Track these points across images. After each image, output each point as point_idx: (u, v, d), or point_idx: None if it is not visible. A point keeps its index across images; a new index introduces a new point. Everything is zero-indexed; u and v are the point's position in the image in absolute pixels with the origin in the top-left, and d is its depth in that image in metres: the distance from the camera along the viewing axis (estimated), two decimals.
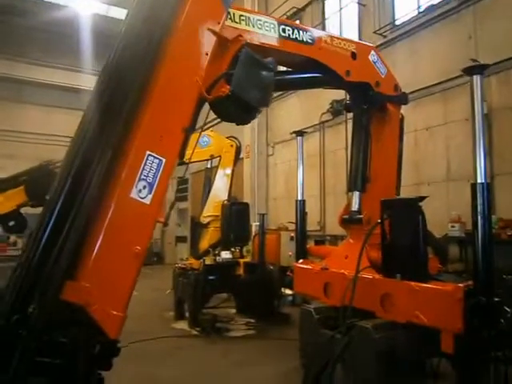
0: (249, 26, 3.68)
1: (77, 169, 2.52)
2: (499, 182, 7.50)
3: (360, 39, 10.71)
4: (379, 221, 4.20)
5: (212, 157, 8.64)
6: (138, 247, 2.54)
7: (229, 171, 8.71)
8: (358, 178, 5.12)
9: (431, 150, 8.52)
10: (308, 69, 4.71)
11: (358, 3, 10.81)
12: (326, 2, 12.39)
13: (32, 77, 17.93)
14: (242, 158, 13.40)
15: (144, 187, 2.56)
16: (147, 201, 2.56)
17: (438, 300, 3.57)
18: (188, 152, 6.80)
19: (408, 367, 3.93)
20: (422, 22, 8.97)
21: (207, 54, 2.85)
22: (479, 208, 3.49)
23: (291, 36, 4.15)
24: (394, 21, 9.86)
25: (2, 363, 2.19)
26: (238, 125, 3.49)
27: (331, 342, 4.25)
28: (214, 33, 2.88)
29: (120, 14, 18.17)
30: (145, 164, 2.56)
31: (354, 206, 5.12)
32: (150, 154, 2.59)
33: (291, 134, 12.91)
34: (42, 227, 2.45)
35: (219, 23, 2.93)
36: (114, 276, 2.51)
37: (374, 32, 9.89)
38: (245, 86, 2.97)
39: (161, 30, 2.69)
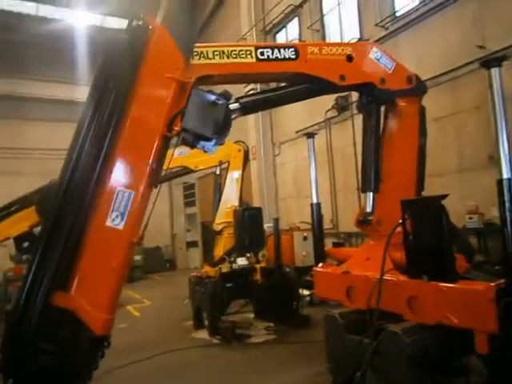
0: (223, 58, 3.99)
1: (64, 204, 3.18)
2: None
3: (361, 33, 10.61)
4: (400, 221, 4.11)
5: (221, 163, 8.57)
6: (115, 264, 3.21)
7: (238, 176, 8.64)
8: (370, 179, 5.02)
9: (442, 140, 8.38)
10: (300, 82, 4.72)
11: None
12: None
13: (35, 93, 17.96)
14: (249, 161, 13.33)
15: (117, 216, 3.19)
16: (120, 227, 3.19)
17: (469, 300, 3.48)
18: (194, 160, 7.02)
19: (440, 369, 3.85)
20: (423, 12, 8.82)
21: (168, 98, 3.34)
22: (507, 204, 3.37)
23: (271, 57, 4.29)
24: (395, 12, 9.72)
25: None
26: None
27: (359, 347, 4.18)
28: (173, 79, 3.32)
29: (115, 23, 18.22)
30: (116, 198, 3.20)
31: (368, 207, 5.03)
32: (120, 190, 3.21)
33: (297, 132, 12.88)
34: (37, 250, 3.14)
35: (178, 69, 3.36)
36: (96, 287, 3.17)
37: (376, 25, 9.75)
38: (195, 120, 3.42)
39: (127, 80, 3.26)
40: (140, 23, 3.36)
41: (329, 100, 11.41)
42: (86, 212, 3.17)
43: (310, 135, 6.11)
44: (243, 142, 9.07)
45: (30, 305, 3.08)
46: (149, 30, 3.35)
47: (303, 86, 4.81)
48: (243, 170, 8.77)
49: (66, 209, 3.17)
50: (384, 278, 4.11)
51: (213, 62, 3.92)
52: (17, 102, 18.11)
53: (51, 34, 16.95)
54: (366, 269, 4.62)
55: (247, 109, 4.56)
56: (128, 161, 3.29)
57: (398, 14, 9.65)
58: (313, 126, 12.21)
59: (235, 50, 4.12)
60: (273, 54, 4.32)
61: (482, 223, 7.25)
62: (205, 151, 3.80)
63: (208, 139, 3.58)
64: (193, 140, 3.53)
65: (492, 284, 3.42)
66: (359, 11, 10.72)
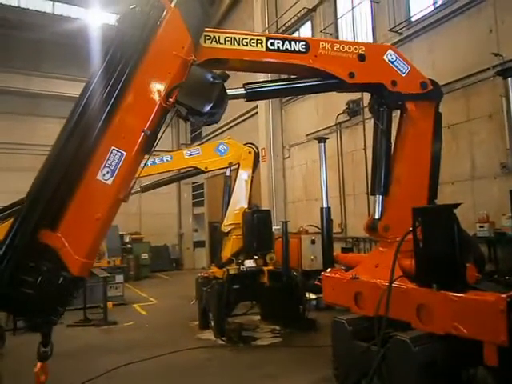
0: (234, 44, 4.31)
1: (64, 151, 3.49)
2: None
3: (374, 38, 10.57)
4: (411, 228, 4.09)
5: (231, 164, 8.58)
6: (99, 214, 3.53)
7: (248, 178, 8.64)
8: (380, 182, 5.01)
9: (454, 147, 8.32)
10: (309, 75, 4.83)
11: (371, 1, 10.64)
12: (337, 1, 12.23)
13: (48, 90, 18.15)
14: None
15: (107, 172, 3.54)
16: (109, 182, 3.53)
17: (479, 311, 3.45)
18: (204, 161, 7.28)
19: (448, 380, 3.82)
20: (439, 18, 8.76)
21: (170, 73, 3.68)
22: None
23: (281, 48, 4.52)
24: (410, 17, 9.66)
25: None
26: (205, 125, 4.16)
27: (367, 354, 4.16)
28: (178, 56, 3.66)
29: None
30: (109, 155, 3.54)
31: (377, 213, 5.01)
32: (113, 149, 3.55)
33: (307, 136, 12.86)
34: (34, 187, 3.49)
35: (183, 48, 3.70)
36: (79, 232, 3.50)
37: (390, 30, 9.70)
38: (190, 95, 3.69)
39: (137, 51, 3.60)
40: (156, 3, 3.69)
41: (340, 104, 11.39)
42: (82, 162, 3.50)
43: (322, 140, 6.10)
44: (253, 144, 9.08)
45: (17, 237, 3.35)
46: (163, 10, 3.70)
47: (311, 79, 4.88)
48: (253, 172, 8.78)
49: (65, 155, 3.48)
50: (393, 285, 4.09)
51: (224, 46, 4.25)
52: (30, 98, 18.32)
53: (66, 31, 17.11)
54: (375, 275, 4.61)
55: (252, 94, 4.75)
56: (126, 124, 3.65)
57: (413, 20, 9.60)
58: (324, 129, 12.19)
59: (246, 38, 4.38)
60: (283, 45, 4.52)
61: (492, 232, 7.18)
62: (193, 123, 4.02)
63: (200, 114, 3.80)
64: (186, 114, 3.77)
65: (503, 295, 3.39)
66: (373, 15, 10.68)
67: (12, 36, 17.56)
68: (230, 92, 4.43)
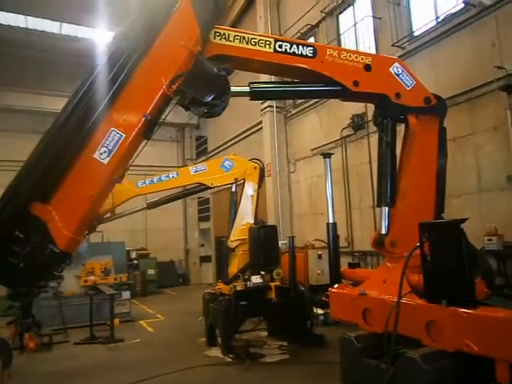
0: (242, 43, 4.44)
1: (66, 126, 3.63)
2: None
3: (377, 53, 10.64)
4: (418, 244, 4.08)
5: (236, 180, 8.59)
6: (92, 191, 3.66)
7: (254, 193, 8.65)
8: (385, 193, 5.02)
9: (460, 160, 8.30)
10: (313, 80, 4.95)
11: (373, 17, 10.76)
12: (340, 17, 12.38)
13: (55, 108, 18.30)
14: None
15: (105, 151, 3.67)
16: (105, 161, 3.67)
17: (490, 328, 3.41)
18: (210, 177, 7.35)
19: None
20: (441, 32, 8.83)
21: (176, 62, 3.83)
22: None
23: (288, 50, 4.63)
24: (412, 32, 9.74)
25: None
26: (205, 117, 4.39)
27: (376, 372, 4.11)
28: (185, 47, 3.83)
29: None
30: (109, 136, 3.68)
31: (384, 228, 5.00)
32: (113, 130, 3.69)
33: (312, 150, 12.90)
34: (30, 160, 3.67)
35: (191, 39, 3.87)
36: (70, 207, 3.61)
37: (392, 45, 9.78)
38: (193, 84, 3.83)
39: (147, 38, 3.81)
40: None
41: (345, 118, 11.45)
42: (81, 139, 3.62)
43: (327, 155, 6.12)
44: (259, 160, 9.10)
45: (7, 207, 3.48)
46: (176, 2, 3.94)
47: (316, 84, 4.97)
48: (259, 188, 8.79)
49: (66, 130, 3.62)
50: (401, 301, 4.06)
51: (232, 44, 4.38)
52: (39, 116, 18.54)
53: (73, 50, 17.37)
54: (383, 291, 4.58)
55: (257, 93, 4.92)
56: (129, 107, 3.76)
57: (415, 34, 9.67)
58: (328, 144, 12.23)
59: (255, 38, 4.53)
60: (291, 48, 4.65)
61: (501, 245, 7.11)
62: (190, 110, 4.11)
63: (201, 104, 3.92)
64: (187, 102, 3.91)
65: None
66: (375, 31, 10.79)
67: (19, 56, 17.87)
68: (235, 89, 4.63)
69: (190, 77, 3.82)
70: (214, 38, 4.32)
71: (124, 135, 3.71)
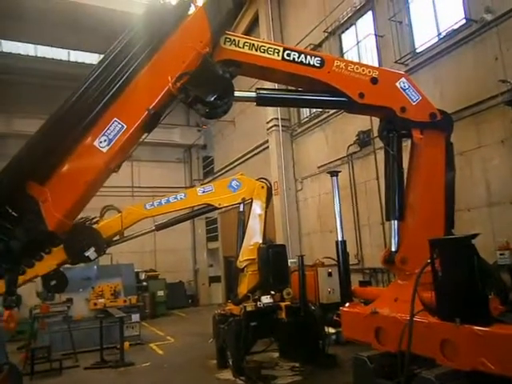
0: (251, 50, 4.55)
1: (70, 113, 3.73)
2: None
3: None
4: (428, 261, 4.03)
5: (244, 200, 8.61)
6: (88, 178, 3.75)
7: (262, 212, 8.65)
8: (393, 207, 5.00)
9: (468, 174, 8.26)
10: (319, 90, 5.00)
11: (376, 35, 10.90)
12: (342, 36, 12.55)
13: None
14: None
15: (105, 140, 3.75)
16: (104, 150, 3.75)
17: (507, 345, 3.33)
18: (217, 198, 7.43)
19: None
20: (444, 48, 8.90)
21: (184, 62, 3.94)
22: None
23: (296, 59, 4.72)
24: (415, 49, 9.84)
25: None
26: (206, 117, 4.35)
27: None
28: (194, 48, 3.95)
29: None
30: (110, 125, 3.77)
31: (394, 245, 4.96)
32: (116, 120, 3.78)
33: (319, 168, 12.92)
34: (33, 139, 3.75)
35: (201, 42, 3.99)
36: (64, 190, 3.68)
37: (396, 62, 9.87)
38: (198, 84, 3.93)
39: (159, 36, 3.94)
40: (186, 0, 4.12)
41: (350, 135, 11.49)
42: (85, 126, 3.73)
43: (334, 173, 6.11)
44: (266, 179, 9.13)
45: (5, 182, 3.59)
46: (189, 5, 4.13)
47: (322, 94, 5.04)
48: (266, 207, 8.79)
49: (71, 115, 3.71)
50: (414, 319, 3.99)
51: (241, 50, 4.51)
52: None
53: (77, 76, 17.72)
54: (395, 309, 4.50)
55: (263, 99, 4.97)
56: (133, 99, 3.86)
57: (418, 51, 9.76)
58: (335, 161, 12.25)
59: (264, 46, 4.63)
60: (299, 57, 4.73)
61: None
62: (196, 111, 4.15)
63: (203, 103, 3.99)
64: (191, 101, 3.97)
65: None
66: (378, 49, 10.91)
67: (28, 83, 18.23)
68: (241, 94, 4.72)
69: (195, 76, 3.93)
70: (225, 44, 4.44)
71: (125, 126, 3.81)
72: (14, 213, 3.62)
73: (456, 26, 8.71)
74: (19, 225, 3.60)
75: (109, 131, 3.78)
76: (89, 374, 8.98)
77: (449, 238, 4.41)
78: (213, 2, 4.20)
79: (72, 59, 19.03)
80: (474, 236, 3.75)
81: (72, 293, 11.09)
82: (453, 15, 8.79)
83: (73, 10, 15.04)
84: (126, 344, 9.94)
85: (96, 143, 3.76)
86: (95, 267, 13.09)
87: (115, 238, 6.86)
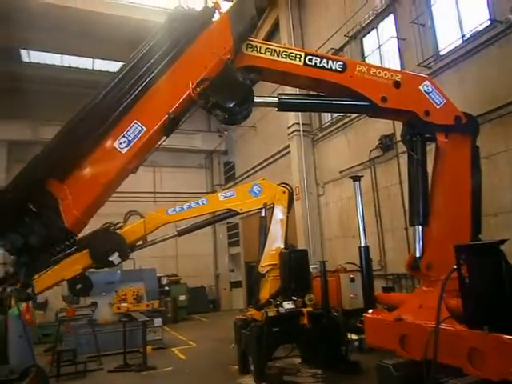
0: (273, 56, 4.57)
1: (91, 113, 3.82)
2: None
3: None
4: (455, 267, 3.94)
5: (265, 205, 8.59)
6: (106, 178, 3.86)
7: (283, 217, 8.62)
8: (418, 211, 4.92)
9: (495, 178, 8.05)
10: (341, 95, 4.98)
11: (398, 38, 10.78)
12: (364, 40, 12.46)
13: None
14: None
15: (124, 142, 3.85)
16: (123, 151, 3.85)
17: None
18: (239, 203, 7.45)
19: None
20: (468, 50, 8.73)
21: (206, 67, 4.03)
22: None
23: (318, 64, 4.70)
24: (438, 51, 9.68)
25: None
26: (225, 123, 4.41)
27: None
28: (216, 54, 4.03)
29: None
30: (131, 127, 3.87)
31: (418, 250, 4.87)
32: (136, 122, 3.88)
33: (341, 172, 12.82)
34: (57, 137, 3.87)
35: (224, 49, 4.07)
36: (83, 189, 3.79)
37: (418, 65, 9.73)
38: (217, 89, 3.99)
39: (182, 42, 4.03)
40: (211, 7, 4.24)
41: (373, 140, 11.36)
42: (106, 127, 3.82)
43: (356, 178, 6.05)
44: (287, 184, 9.11)
45: (27, 179, 3.69)
46: (214, 13, 4.23)
47: (345, 99, 5.02)
48: (288, 212, 8.76)
49: (93, 116, 3.81)
50: (440, 327, 3.90)
51: (263, 56, 4.52)
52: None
53: (90, 83, 18.04)
54: (420, 316, 4.42)
55: (285, 104, 4.95)
56: (154, 103, 3.95)
57: (441, 53, 9.60)
58: (357, 165, 12.13)
59: (286, 52, 4.63)
60: (320, 62, 4.72)
61: None
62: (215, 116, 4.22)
63: (223, 109, 4.04)
64: (210, 106, 4.03)
65: None
66: (400, 52, 10.78)
67: (51, 91, 18.62)
68: (263, 99, 4.77)
69: (216, 82, 3.99)
70: (246, 50, 4.47)
71: (145, 129, 3.89)
72: (34, 208, 3.72)
73: (480, 28, 8.54)
74: (38, 220, 3.70)
75: (129, 133, 3.87)
76: (112, 376, 9.10)
77: (476, 244, 4.31)
78: (237, 9, 4.26)
79: (96, 68, 19.41)
80: (503, 242, 3.65)
81: (96, 296, 11.29)
82: (477, 16, 8.62)
83: (91, 19, 15.27)
84: (149, 348, 10.03)
85: (116, 144, 3.85)
86: (118, 272, 13.29)
87: (138, 243, 6.95)
